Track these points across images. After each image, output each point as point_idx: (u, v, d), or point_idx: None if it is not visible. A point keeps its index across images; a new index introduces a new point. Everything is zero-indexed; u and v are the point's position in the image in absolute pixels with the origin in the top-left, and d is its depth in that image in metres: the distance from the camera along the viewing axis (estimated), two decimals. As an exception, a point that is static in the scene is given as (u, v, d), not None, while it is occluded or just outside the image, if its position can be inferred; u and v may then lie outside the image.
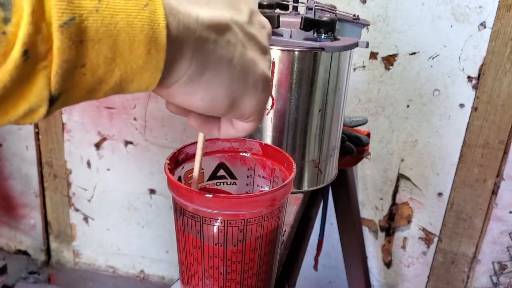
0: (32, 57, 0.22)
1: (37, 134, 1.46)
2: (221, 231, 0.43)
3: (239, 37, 0.31)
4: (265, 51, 0.34)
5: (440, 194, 1.21)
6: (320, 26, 0.62)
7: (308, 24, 0.60)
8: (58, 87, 0.24)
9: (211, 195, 0.41)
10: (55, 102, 0.24)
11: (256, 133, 0.69)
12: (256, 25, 0.34)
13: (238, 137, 0.39)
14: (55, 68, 0.23)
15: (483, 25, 1.04)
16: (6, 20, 0.22)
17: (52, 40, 0.23)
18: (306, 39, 0.63)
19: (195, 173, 0.45)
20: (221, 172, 0.53)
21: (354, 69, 1.15)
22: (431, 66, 1.10)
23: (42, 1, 0.22)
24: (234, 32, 0.31)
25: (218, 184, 0.54)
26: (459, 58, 1.08)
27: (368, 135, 0.91)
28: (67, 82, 0.24)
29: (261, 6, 0.68)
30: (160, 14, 0.25)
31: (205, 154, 0.52)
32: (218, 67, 0.30)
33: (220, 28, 0.30)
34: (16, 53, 0.22)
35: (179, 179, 0.49)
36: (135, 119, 1.35)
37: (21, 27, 0.22)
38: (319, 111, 0.67)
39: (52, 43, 0.23)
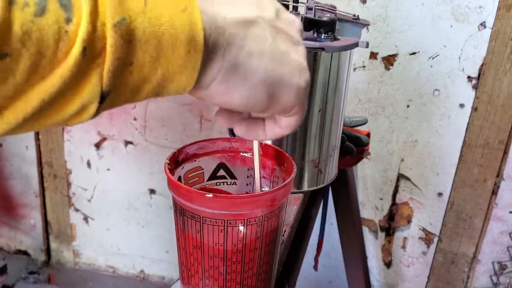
0: (89, 55, 0.24)
1: (37, 134, 1.46)
2: (221, 231, 0.43)
3: (267, 31, 0.32)
4: (297, 43, 0.35)
5: (440, 194, 1.21)
6: (320, 26, 0.62)
7: (308, 24, 0.61)
8: (109, 84, 0.25)
9: (211, 195, 0.41)
10: (105, 99, 0.26)
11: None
12: (284, 21, 0.34)
13: (284, 135, 0.39)
14: (108, 65, 0.25)
15: (483, 25, 1.04)
16: (68, 20, 0.23)
17: (105, 38, 0.24)
18: (306, 39, 0.63)
19: (257, 182, 0.47)
20: (221, 172, 0.53)
21: (354, 69, 1.15)
22: (431, 66, 1.10)
23: (97, 3, 0.24)
24: (262, 27, 0.32)
25: (218, 184, 0.54)
26: (459, 58, 1.08)
27: (368, 135, 0.91)
28: (116, 79, 0.26)
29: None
30: (198, 17, 0.27)
31: (205, 154, 0.52)
32: (249, 61, 0.31)
33: (247, 24, 0.31)
34: (76, 51, 0.24)
35: (179, 179, 0.49)
36: (135, 119, 1.35)
37: (80, 26, 0.23)
38: (319, 111, 0.67)
39: (106, 41, 0.24)
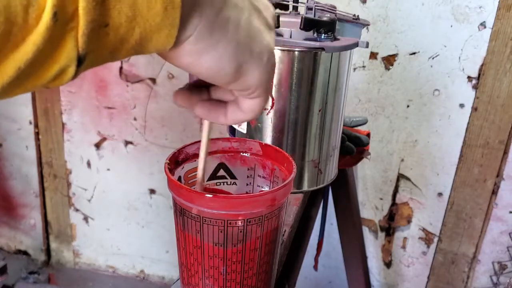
0: (61, 19, 0.23)
1: (37, 134, 1.46)
2: (221, 231, 0.43)
3: (246, 4, 0.32)
4: (270, 27, 0.35)
5: (440, 194, 1.21)
6: (320, 26, 0.62)
7: (308, 24, 0.60)
8: (85, 47, 0.25)
9: (211, 195, 0.41)
10: (82, 62, 0.25)
11: (256, 133, 0.69)
12: (260, 3, 0.34)
13: (246, 120, 0.38)
14: (82, 29, 0.24)
15: (483, 25, 1.04)
16: None
17: (77, 1, 0.24)
18: (306, 39, 0.63)
19: (200, 172, 0.45)
20: (221, 172, 0.53)
21: (354, 69, 1.15)
22: (431, 66, 1.10)
23: None
24: None
25: (218, 184, 0.54)
26: (459, 58, 1.08)
27: (368, 135, 0.91)
28: (93, 42, 0.25)
29: (261, 6, 0.68)
30: None
31: (205, 154, 0.52)
32: (225, 27, 0.30)
33: None
34: (46, 16, 0.23)
35: (179, 179, 0.49)
36: (135, 119, 1.35)
37: None
38: (319, 111, 0.67)
39: (78, 4, 0.24)
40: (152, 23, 0.27)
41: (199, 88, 0.39)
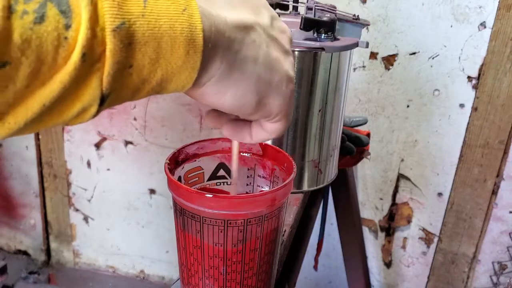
0: (89, 60, 0.24)
1: (37, 134, 1.46)
2: (221, 231, 0.43)
3: (263, 38, 0.33)
4: (287, 53, 0.36)
5: (440, 194, 1.21)
6: (320, 26, 0.61)
7: (308, 24, 0.60)
8: (109, 87, 0.26)
9: (211, 195, 0.41)
10: (104, 101, 0.26)
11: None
12: (276, 29, 0.35)
13: (269, 139, 0.40)
14: (107, 69, 0.25)
15: (483, 25, 1.04)
16: (67, 27, 0.23)
17: (105, 43, 0.24)
18: (306, 39, 0.63)
19: (233, 179, 0.48)
20: (221, 172, 0.53)
21: (354, 69, 1.15)
22: (431, 66, 1.10)
23: (96, 8, 0.24)
24: (258, 33, 0.33)
25: (218, 184, 0.54)
26: (459, 58, 1.08)
27: (368, 135, 0.91)
28: (116, 82, 0.26)
29: (261, 6, 0.68)
30: (197, 18, 0.27)
31: (205, 154, 0.52)
32: (245, 66, 0.31)
33: (246, 29, 0.31)
34: (75, 56, 0.24)
35: (179, 179, 0.49)
36: (135, 119, 1.35)
37: (80, 32, 0.24)
38: (319, 111, 0.67)
39: (105, 46, 0.24)
40: (174, 66, 0.27)
41: None
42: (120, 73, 0.26)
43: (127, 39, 0.25)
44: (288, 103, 0.36)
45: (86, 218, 1.53)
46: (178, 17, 0.27)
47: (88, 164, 1.45)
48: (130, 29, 0.25)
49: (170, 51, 0.27)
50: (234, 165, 0.47)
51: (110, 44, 0.24)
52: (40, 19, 0.23)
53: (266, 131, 0.39)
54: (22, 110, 0.24)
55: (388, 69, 1.13)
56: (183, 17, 0.27)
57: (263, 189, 0.52)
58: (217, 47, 0.29)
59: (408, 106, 1.15)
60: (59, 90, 0.24)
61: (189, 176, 0.51)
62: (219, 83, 0.31)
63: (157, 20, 0.26)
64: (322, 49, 0.61)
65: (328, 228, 1.23)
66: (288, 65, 0.36)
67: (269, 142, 0.67)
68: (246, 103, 0.33)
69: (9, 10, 0.22)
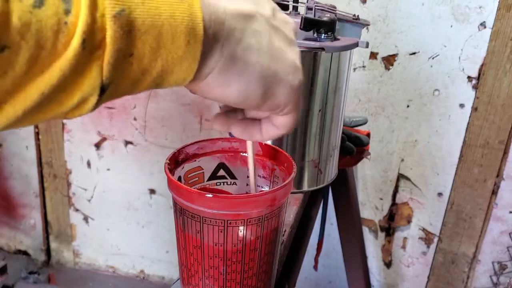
0: (89, 47, 0.24)
1: (37, 134, 1.46)
2: (221, 231, 0.43)
3: (265, 28, 0.32)
4: (292, 43, 0.35)
5: (440, 194, 1.21)
6: (320, 26, 0.61)
7: (308, 24, 0.60)
8: (109, 76, 0.25)
9: (211, 195, 0.41)
10: (105, 91, 0.26)
11: (256, 133, 0.69)
12: (279, 20, 0.35)
13: (280, 135, 0.39)
14: (107, 57, 0.24)
15: (483, 25, 1.04)
16: (67, 12, 0.23)
17: (105, 30, 0.24)
18: (306, 39, 0.63)
19: (251, 181, 0.47)
20: (221, 172, 0.53)
21: (354, 69, 1.15)
22: (431, 66, 1.10)
23: None
24: (260, 22, 0.32)
25: (218, 184, 0.54)
26: (459, 58, 1.08)
27: (368, 135, 0.91)
28: (117, 71, 0.25)
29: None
30: (197, 7, 0.27)
31: (205, 154, 0.52)
32: (247, 56, 0.31)
33: (246, 18, 0.31)
34: (75, 42, 0.23)
35: (179, 179, 0.49)
36: (135, 119, 1.35)
37: (79, 18, 0.23)
38: (319, 111, 0.67)
39: (105, 33, 0.24)
40: (174, 56, 0.27)
41: (234, 110, 0.40)
42: (121, 62, 0.25)
43: (127, 26, 0.25)
44: (296, 94, 0.35)
45: (86, 218, 1.53)
46: (178, 5, 0.26)
47: (88, 164, 1.45)
48: (130, 16, 0.25)
49: (171, 40, 0.26)
50: (250, 167, 0.47)
51: (110, 30, 0.24)
52: (40, 3, 0.22)
53: (276, 127, 0.38)
54: (21, 98, 0.23)
55: (388, 69, 1.13)
56: (184, 6, 0.27)
57: (263, 189, 0.52)
58: (217, 37, 0.29)
59: (408, 106, 1.15)
60: (59, 78, 0.24)
61: (189, 176, 0.51)
62: (221, 74, 0.30)
63: (157, 8, 0.26)
64: (322, 49, 0.61)
65: (328, 228, 1.23)
66: (293, 55, 0.35)
67: (269, 142, 0.67)
68: (252, 95, 0.32)
69: None
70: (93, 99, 0.26)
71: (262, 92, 0.33)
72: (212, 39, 0.29)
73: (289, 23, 0.36)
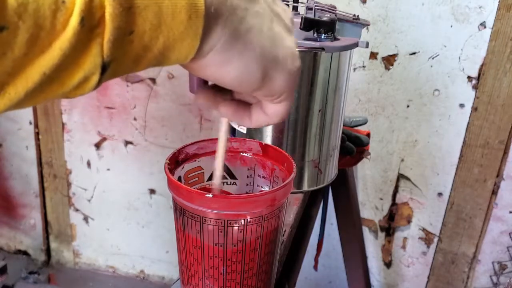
0: (88, 25, 0.24)
1: (37, 134, 1.46)
2: (221, 231, 0.43)
3: (266, 11, 0.32)
4: (290, 31, 0.35)
5: (440, 194, 1.21)
6: (320, 26, 0.62)
7: (308, 24, 0.60)
8: (110, 54, 0.25)
9: (211, 195, 0.41)
10: (106, 70, 0.25)
11: (256, 133, 0.69)
12: (279, 7, 0.35)
13: (270, 124, 0.38)
14: (107, 35, 0.24)
15: (483, 25, 1.04)
16: None
17: (104, 7, 0.24)
18: (306, 39, 0.63)
19: (217, 172, 0.44)
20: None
21: (354, 69, 1.15)
22: (431, 66, 1.10)
23: None
24: (262, 5, 0.32)
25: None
26: (459, 58, 1.08)
27: (368, 135, 0.91)
28: (117, 49, 0.25)
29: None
30: None
31: (205, 154, 0.52)
32: (249, 35, 0.30)
33: None
34: (74, 21, 0.23)
35: (179, 179, 0.49)
36: (135, 119, 1.35)
37: None
38: (319, 111, 0.67)
39: (104, 10, 0.24)
40: (176, 32, 0.27)
41: (222, 88, 0.38)
42: (121, 40, 0.25)
43: (127, 2, 0.24)
44: (293, 82, 0.35)
45: (86, 218, 1.53)
46: None
47: (88, 164, 1.45)
48: None
49: (172, 16, 0.26)
50: (221, 151, 0.43)
51: (109, 7, 0.24)
52: None
53: (267, 114, 0.37)
54: (22, 79, 0.23)
55: (388, 69, 1.13)
56: None
57: (263, 189, 0.52)
58: (219, 13, 0.28)
59: (408, 106, 1.15)
60: (59, 58, 0.23)
61: (189, 176, 0.51)
62: (222, 52, 0.30)
63: None
64: (322, 49, 0.61)
65: (328, 228, 1.23)
66: (291, 42, 0.34)
67: (269, 142, 0.67)
68: (251, 76, 0.32)
69: None
70: (95, 78, 0.25)
71: (261, 74, 0.32)
72: (214, 15, 0.28)
73: (287, 12, 0.36)
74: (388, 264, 1.34)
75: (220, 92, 0.38)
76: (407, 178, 1.22)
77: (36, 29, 0.22)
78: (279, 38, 0.33)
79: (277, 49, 0.32)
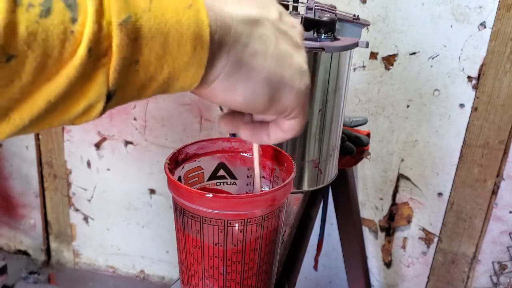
0: (95, 54, 0.24)
1: (37, 134, 1.46)
2: (221, 231, 0.43)
3: (271, 32, 0.32)
4: (298, 47, 0.35)
5: (440, 194, 1.21)
6: (320, 26, 0.61)
7: (308, 24, 0.60)
8: (115, 83, 0.25)
9: (211, 195, 0.41)
10: (111, 98, 0.26)
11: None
12: (286, 24, 0.35)
13: (288, 139, 0.39)
14: (114, 65, 0.24)
15: (483, 25, 1.04)
16: (74, 20, 0.23)
17: (111, 37, 0.24)
18: (306, 39, 0.63)
19: (257, 185, 0.47)
20: (221, 172, 0.53)
21: (354, 69, 1.15)
22: (431, 66, 1.10)
23: (102, 2, 0.24)
24: (266, 27, 0.32)
25: (218, 184, 0.54)
26: (459, 58, 1.08)
27: (368, 135, 0.91)
28: (123, 79, 0.25)
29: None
30: (204, 13, 0.27)
31: (205, 154, 0.52)
32: (253, 60, 0.31)
33: (253, 23, 0.31)
34: (82, 51, 0.23)
35: (179, 179, 0.49)
36: (135, 119, 1.35)
37: (86, 26, 0.23)
38: (319, 111, 0.67)
39: (111, 40, 0.24)
40: (181, 62, 0.27)
41: (241, 112, 0.40)
42: (127, 69, 0.25)
43: (134, 33, 0.25)
44: (303, 98, 0.35)
45: (86, 218, 1.53)
46: (184, 11, 0.26)
47: (88, 164, 1.45)
48: (136, 23, 0.25)
49: (177, 46, 0.26)
50: (256, 169, 0.47)
51: (116, 38, 0.24)
52: (46, 12, 0.22)
53: (283, 130, 0.38)
54: (28, 106, 0.24)
55: (388, 69, 1.13)
56: (190, 12, 0.26)
57: (263, 189, 0.52)
58: (224, 42, 0.29)
59: (408, 106, 1.15)
60: (65, 86, 0.24)
61: (189, 176, 0.51)
62: (228, 79, 0.30)
63: (164, 14, 0.25)
64: (322, 49, 0.61)
65: (328, 228, 1.23)
66: (300, 59, 0.35)
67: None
68: (258, 99, 0.32)
69: (15, 3, 0.22)
70: (100, 106, 0.26)
71: (269, 97, 0.32)
72: (219, 45, 0.28)
73: (296, 27, 0.36)
74: (388, 264, 1.34)
75: (239, 116, 0.39)
76: (407, 178, 1.22)
77: (44, 58, 0.23)
78: (286, 56, 0.33)
79: (283, 69, 0.33)
